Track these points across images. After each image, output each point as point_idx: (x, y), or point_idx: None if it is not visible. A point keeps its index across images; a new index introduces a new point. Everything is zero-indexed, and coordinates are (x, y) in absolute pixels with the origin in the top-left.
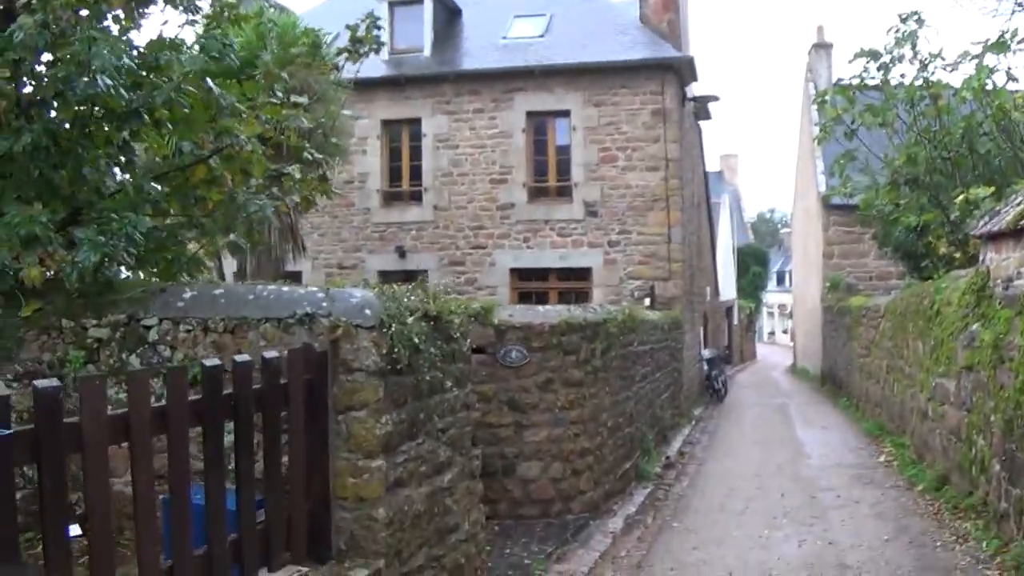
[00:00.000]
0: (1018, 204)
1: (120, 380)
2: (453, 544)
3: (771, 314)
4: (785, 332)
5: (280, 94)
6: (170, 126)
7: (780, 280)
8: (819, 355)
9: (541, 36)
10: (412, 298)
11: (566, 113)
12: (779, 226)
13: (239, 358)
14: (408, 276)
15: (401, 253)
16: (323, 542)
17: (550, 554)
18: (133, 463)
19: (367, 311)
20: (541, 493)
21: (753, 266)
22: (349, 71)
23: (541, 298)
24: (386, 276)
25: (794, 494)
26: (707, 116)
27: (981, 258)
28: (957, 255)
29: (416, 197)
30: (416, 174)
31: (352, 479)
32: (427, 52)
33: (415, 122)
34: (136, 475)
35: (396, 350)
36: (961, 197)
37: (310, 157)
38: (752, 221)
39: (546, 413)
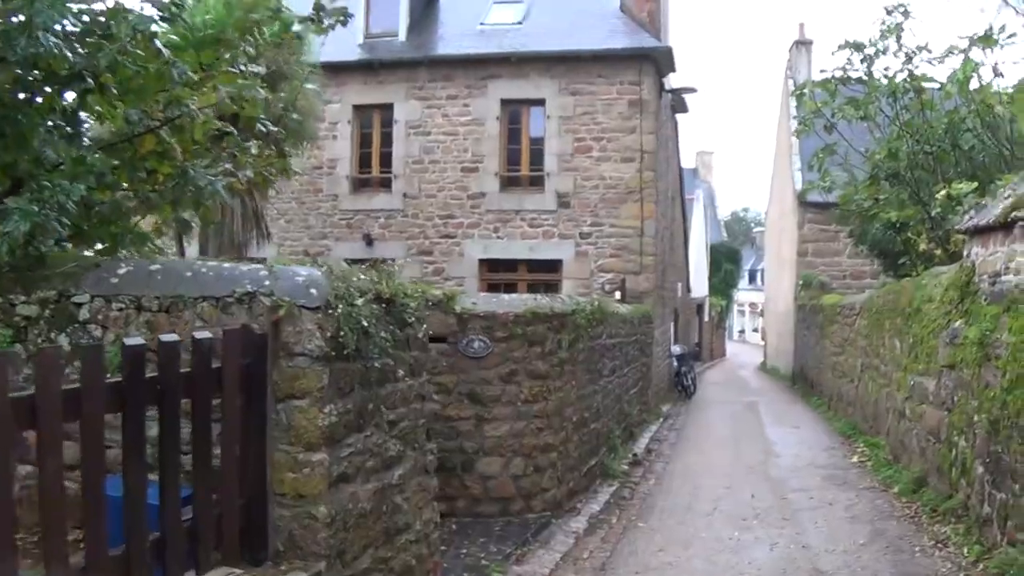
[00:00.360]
0: (1006, 198)
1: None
2: (403, 545)
3: (742, 312)
4: (755, 330)
5: (243, 67)
6: (115, 91)
7: (752, 278)
8: (790, 353)
9: (519, 23)
10: (363, 278)
11: (541, 102)
12: (752, 225)
13: (165, 338)
14: (375, 265)
15: (368, 241)
16: (259, 542)
17: (509, 555)
18: (40, 450)
19: (312, 291)
20: (501, 490)
21: (725, 264)
22: (320, 53)
23: (510, 289)
24: (353, 265)
25: (765, 495)
26: (684, 109)
27: (965, 253)
28: (938, 252)
29: (386, 184)
30: (386, 161)
31: (291, 473)
32: (402, 37)
33: (387, 108)
34: (43, 464)
35: (343, 334)
36: (943, 192)
37: (264, 129)
38: (726, 219)
39: (509, 406)
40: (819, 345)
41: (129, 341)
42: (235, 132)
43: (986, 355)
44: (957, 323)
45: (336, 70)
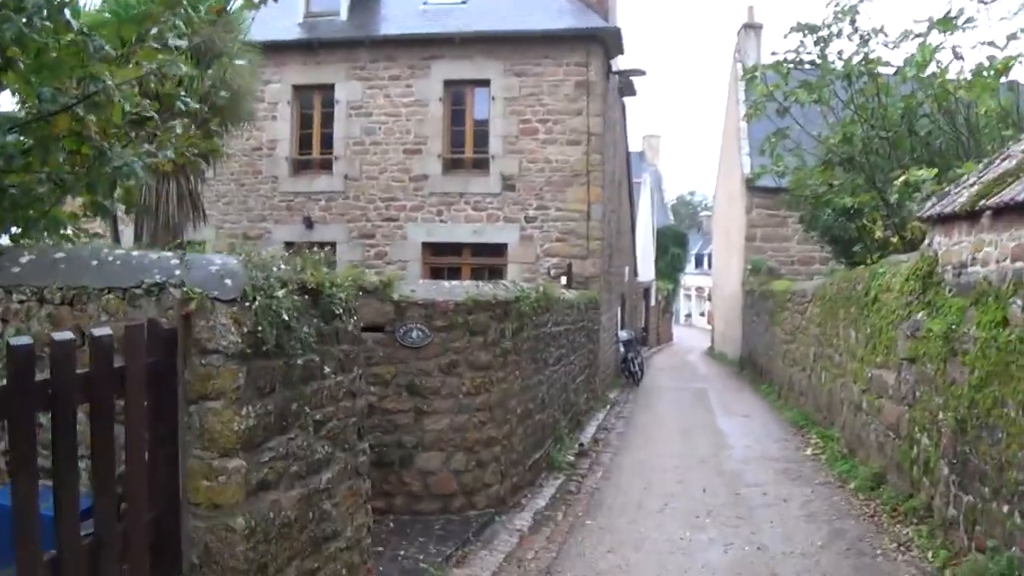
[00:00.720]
0: (971, 185)
1: None
2: (332, 554)
3: (688, 296)
4: (702, 315)
5: (169, 42)
6: (23, 67)
7: (699, 263)
8: (738, 339)
9: (463, 2)
10: (285, 267)
11: (486, 83)
12: (699, 209)
13: (57, 336)
14: (315, 248)
15: (309, 224)
16: (171, 557)
17: (449, 556)
18: None
19: (227, 281)
20: (442, 487)
21: (672, 247)
22: (258, 32)
23: (454, 274)
24: (292, 248)
25: (717, 490)
26: (632, 92)
27: (927, 242)
28: (894, 239)
29: (326, 166)
30: (327, 142)
31: (206, 481)
32: (344, 16)
33: (328, 88)
34: None
35: (261, 328)
36: (901, 179)
37: (183, 107)
38: (672, 203)
39: (449, 399)
40: (769, 332)
41: (15, 341)
42: (154, 113)
43: (952, 350)
44: (919, 315)
45: (276, 49)
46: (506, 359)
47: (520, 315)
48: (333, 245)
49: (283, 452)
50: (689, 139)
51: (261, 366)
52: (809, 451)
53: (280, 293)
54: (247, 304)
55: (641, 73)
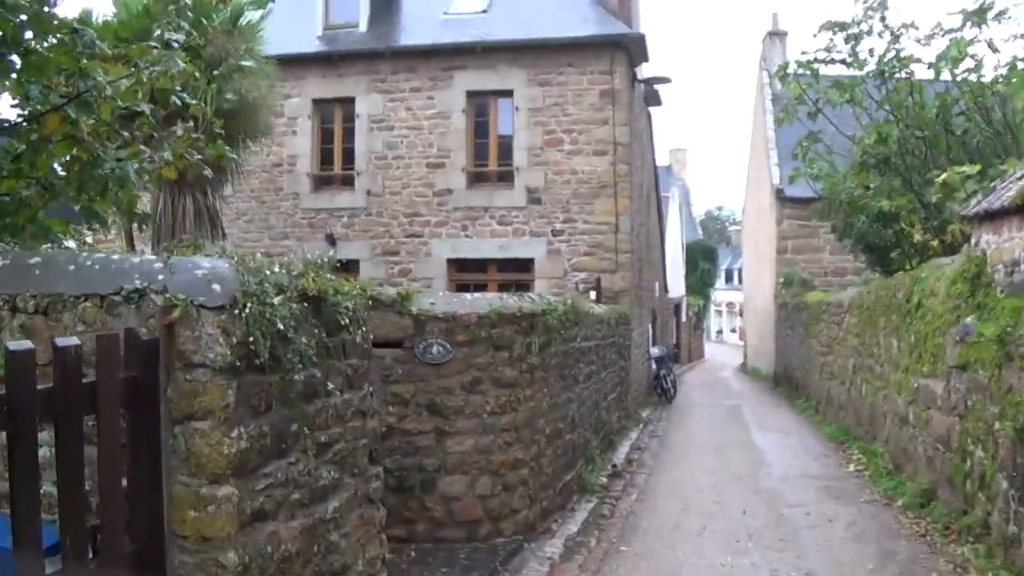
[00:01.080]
0: (1019, 179)
1: None
2: None
3: (719, 312)
4: (734, 331)
5: (176, 44)
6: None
7: (729, 278)
8: (772, 354)
9: (484, 11)
10: (280, 271)
11: (509, 93)
12: (728, 223)
13: (13, 346)
14: (339, 266)
15: (331, 241)
16: None
17: None
18: None
19: (215, 287)
20: (466, 513)
21: (702, 263)
22: (278, 45)
23: (480, 291)
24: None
25: (758, 511)
26: (658, 102)
27: (974, 242)
28: (934, 243)
29: (348, 182)
30: (349, 157)
31: (194, 512)
32: (363, 27)
33: (348, 101)
34: None
35: (253, 339)
36: (941, 178)
37: (179, 103)
38: (700, 218)
39: (473, 419)
40: (804, 345)
41: None
42: (146, 107)
43: (1007, 354)
44: (968, 319)
45: (295, 63)
46: (533, 376)
47: (547, 329)
48: (357, 263)
49: (282, 478)
50: (716, 153)
51: (254, 382)
52: (851, 467)
53: (276, 300)
54: (237, 312)
55: (667, 81)
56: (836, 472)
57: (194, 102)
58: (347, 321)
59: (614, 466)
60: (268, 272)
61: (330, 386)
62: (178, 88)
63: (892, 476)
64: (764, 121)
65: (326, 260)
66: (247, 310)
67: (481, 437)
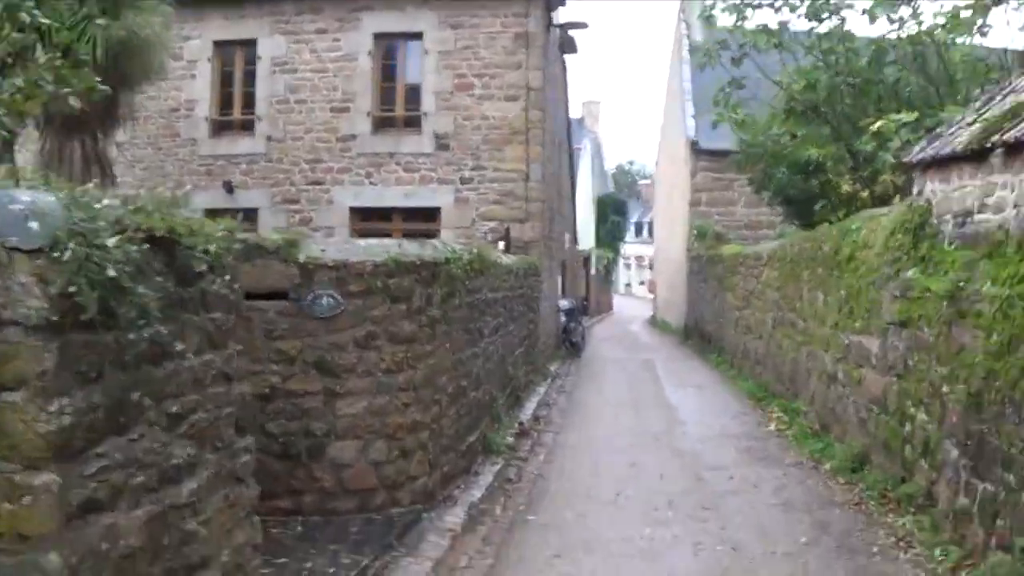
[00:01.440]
0: (969, 124)
1: None
2: None
3: (628, 266)
4: (642, 284)
5: None
6: None
7: (639, 231)
8: (682, 307)
9: None
10: (117, 207)
11: (419, 35)
12: (638, 178)
13: None
14: (238, 215)
15: (229, 189)
16: None
17: (365, 568)
18: None
19: (33, 224)
20: (359, 481)
21: (613, 216)
22: None
23: None
24: (213, 215)
25: (676, 475)
26: (573, 50)
27: (917, 190)
28: (863, 194)
29: (248, 127)
30: (249, 101)
31: (8, 504)
32: None
33: (250, 44)
34: None
35: (77, 289)
36: (876, 125)
37: (28, 19)
38: (612, 172)
39: (366, 377)
40: (718, 298)
41: None
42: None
43: (958, 311)
44: (909, 272)
45: (195, 3)
46: (434, 330)
47: (451, 279)
48: (256, 211)
49: (121, 459)
50: (629, 107)
51: (81, 342)
52: (772, 426)
53: (110, 241)
54: (58, 256)
55: (583, 26)
56: (756, 431)
57: (47, 21)
58: (205, 268)
59: (521, 424)
60: (101, 208)
61: (180, 347)
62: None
63: (819, 437)
64: (681, 72)
65: (182, 196)
66: (68, 253)
67: (376, 398)
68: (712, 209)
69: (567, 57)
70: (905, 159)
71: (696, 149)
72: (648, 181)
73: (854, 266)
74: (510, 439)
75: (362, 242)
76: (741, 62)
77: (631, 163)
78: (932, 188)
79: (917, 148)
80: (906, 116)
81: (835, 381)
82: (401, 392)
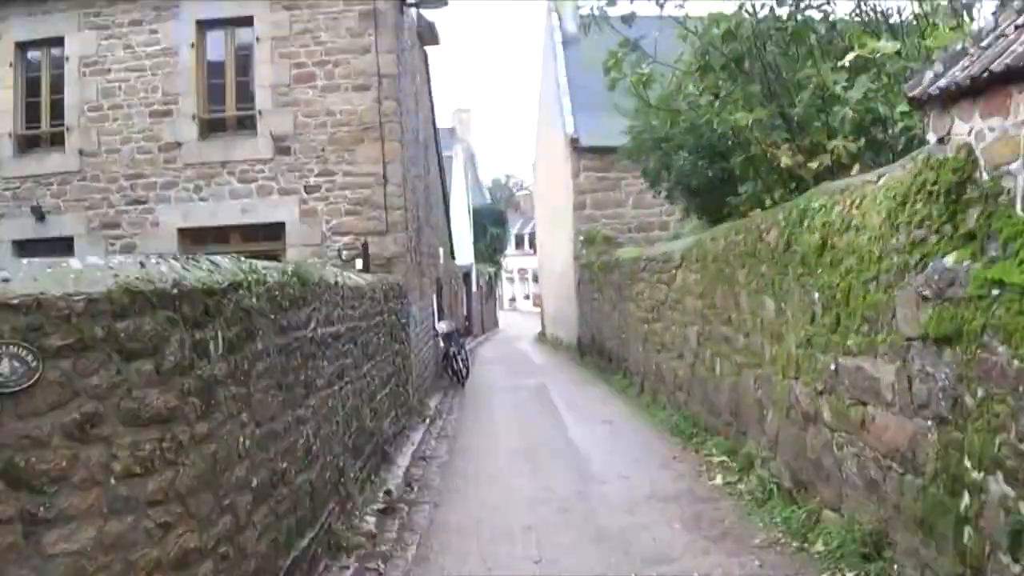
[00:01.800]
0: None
1: None
2: None
3: (511, 279)
4: (527, 297)
5: None
6: None
7: (519, 243)
8: (573, 320)
9: None
10: None
11: (248, 20)
12: (516, 190)
13: None
14: (50, 246)
15: (40, 216)
16: None
17: None
18: None
19: None
20: None
21: (492, 228)
22: None
23: None
24: (23, 247)
25: (603, 573)
26: (435, 40)
27: (936, 136)
28: (812, 164)
29: (58, 141)
30: (58, 111)
31: None
32: None
33: (57, 42)
34: None
35: None
36: (849, 56)
37: None
38: (488, 186)
39: (92, 489)
40: (618, 310)
41: None
42: None
43: None
44: (948, 258)
45: None
46: (212, 397)
47: (244, 314)
48: (71, 240)
49: None
50: (500, 121)
51: None
52: (719, 479)
53: None
54: None
55: (442, 4)
56: (698, 488)
57: None
58: None
59: (388, 494)
60: None
61: None
62: None
63: (794, 500)
64: (555, 68)
65: None
66: None
67: (110, 521)
68: (598, 212)
69: (429, 50)
70: (911, 93)
71: (577, 147)
72: (527, 191)
73: (832, 258)
74: (370, 521)
75: (73, 263)
76: (633, 21)
77: (509, 177)
78: (973, 128)
79: (929, 76)
80: (890, 46)
81: (815, 421)
82: (154, 507)
